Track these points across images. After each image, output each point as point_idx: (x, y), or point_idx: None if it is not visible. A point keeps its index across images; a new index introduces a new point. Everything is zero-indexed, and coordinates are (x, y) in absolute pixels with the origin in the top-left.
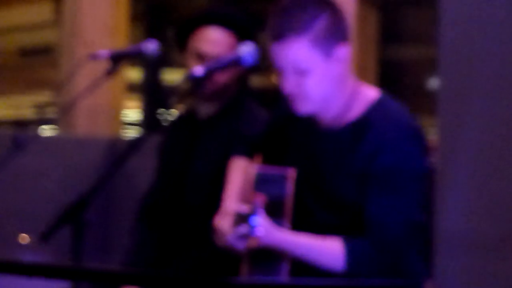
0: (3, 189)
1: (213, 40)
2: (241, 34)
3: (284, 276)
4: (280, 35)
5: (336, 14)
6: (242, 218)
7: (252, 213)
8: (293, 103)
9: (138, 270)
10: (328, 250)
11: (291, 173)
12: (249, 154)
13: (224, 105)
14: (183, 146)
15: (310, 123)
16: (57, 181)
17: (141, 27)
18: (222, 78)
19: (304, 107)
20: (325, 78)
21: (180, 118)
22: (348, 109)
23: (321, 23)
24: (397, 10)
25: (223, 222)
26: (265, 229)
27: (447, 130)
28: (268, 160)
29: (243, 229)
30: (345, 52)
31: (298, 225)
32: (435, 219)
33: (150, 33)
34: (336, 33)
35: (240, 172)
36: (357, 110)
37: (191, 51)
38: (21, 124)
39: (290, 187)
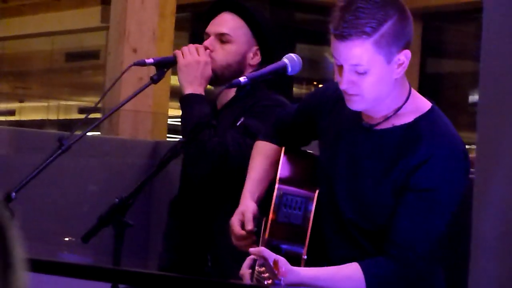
0: (47, 189)
1: (221, 21)
2: (251, 24)
3: None
4: (345, 36)
5: (403, 20)
6: (265, 265)
7: (276, 263)
8: (346, 98)
9: (174, 274)
10: (348, 278)
11: (315, 195)
12: (275, 137)
13: (236, 92)
14: None
15: (355, 115)
16: (99, 183)
17: (185, 35)
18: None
19: (356, 104)
20: (382, 81)
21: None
22: (398, 113)
23: (387, 29)
24: (439, 24)
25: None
26: (287, 270)
27: (487, 136)
28: (294, 143)
29: (266, 274)
30: (405, 58)
31: (326, 219)
32: (473, 226)
33: (194, 41)
34: (400, 39)
35: (263, 157)
36: (407, 116)
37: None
38: (67, 126)
39: (312, 210)
